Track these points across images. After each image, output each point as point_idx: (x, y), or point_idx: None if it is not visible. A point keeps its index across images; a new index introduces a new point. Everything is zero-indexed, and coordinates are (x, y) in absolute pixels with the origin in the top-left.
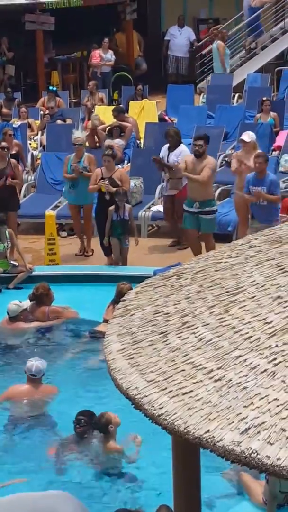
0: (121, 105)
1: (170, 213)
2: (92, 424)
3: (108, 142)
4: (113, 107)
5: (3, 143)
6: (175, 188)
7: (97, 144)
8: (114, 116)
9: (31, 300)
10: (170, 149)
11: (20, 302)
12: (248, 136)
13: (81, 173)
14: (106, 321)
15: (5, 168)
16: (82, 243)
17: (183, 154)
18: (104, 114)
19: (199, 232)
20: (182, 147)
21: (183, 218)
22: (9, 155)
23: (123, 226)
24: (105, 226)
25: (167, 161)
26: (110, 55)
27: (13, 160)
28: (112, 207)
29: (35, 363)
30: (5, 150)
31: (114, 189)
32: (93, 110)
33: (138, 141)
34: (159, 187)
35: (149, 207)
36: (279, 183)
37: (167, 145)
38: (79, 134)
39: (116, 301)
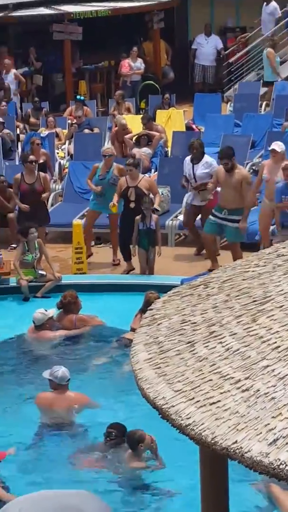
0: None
1: (193, 222)
2: (124, 438)
3: (135, 150)
4: (140, 116)
5: (31, 157)
6: (205, 200)
7: (124, 153)
8: (143, 123)
9: (58, 308)
10: (194, 161)
11: (46, 310)
12: (278, 146)
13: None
14: (133, 330)
15: (34, 183)
16: (89, 249)
17: (213, 166)
18: (131, 123)
19: (221, 239)
20: (207, 158)
21: (206, 222)
22: (37, 165)
23: (149, 235)
24: (132, 235)
25: (194, 174)
26: (139, 64)
27: (42, 174)
28: (138, 217)
29: (60, 370)
30: (34, 163)
31: (156, 206)
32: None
33: (165, 149)
34: (186, 196)
35: (176, 216)
36: None
37: (189, 157)
38: (108, 146)
39: (143, 310)
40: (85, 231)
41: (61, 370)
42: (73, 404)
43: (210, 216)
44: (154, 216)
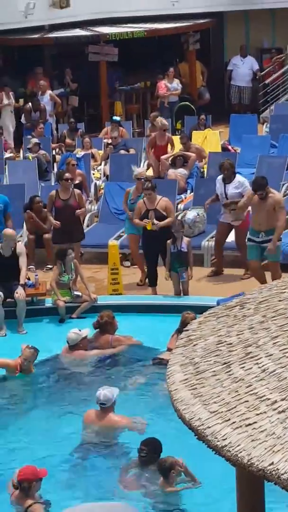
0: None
1: (222, 240)
2: (157, 455)
3: (171, 171)
4: (176, 137)
5: (67, 174)
6: (238, 219)
7: (161, 173)
8: (183, 143)
9: (95, 328)
10: (226, 181)
11: (80, 330)
12: None
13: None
14: (170, 350)
15: (68, 199)
16: (144, 273)
17: (244, 186)
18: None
19: (261, 262)
20: (239, 178)
21: (248, 250)
22: (73, 185)
23: (181, 258)
24: (154, 258)
25: (226, 193)
26: (176, 84)
27: (76, 190)
28: (169, 240)
29: (102, 391)
30: (69, 181)
31: (162, 223)
32: None
33: (201, 170)
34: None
35: (212, 237)
36: None
37: (221, 177)
38: (140, 170)
39: (180, 330)
40: (133, 255)
41: (102, 392)
42: (112, 425)
43: (249, 242)
44: (186, 239)
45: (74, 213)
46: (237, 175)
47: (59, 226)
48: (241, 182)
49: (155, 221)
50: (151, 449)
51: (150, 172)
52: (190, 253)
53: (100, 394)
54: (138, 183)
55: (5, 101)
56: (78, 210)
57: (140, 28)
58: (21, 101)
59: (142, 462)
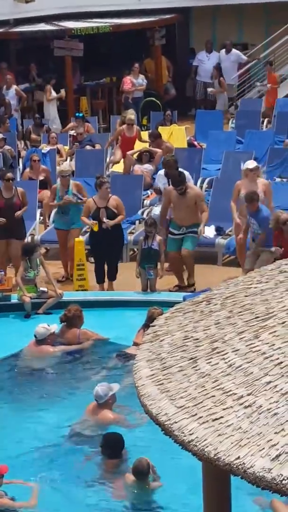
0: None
1: None
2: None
3: (137, 167)
4: (142, 132)
5: (8, 174)
6: None
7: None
8: (151, 141)
9: (62, 322)
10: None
11: (48, 325)
12: (252, 163)
13: (71, 202)
14: (136, 344)
15: (12, 197)
16: (66, 269)
17: (188, 179)
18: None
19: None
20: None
21: (168, 242)
22: (38, 181)
23: (150, 255)
24: (103, 255)
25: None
26: (141, 80)
27: (19, 189)
28: (142, 237)
29: (97, 388)
30: (10, 181)
31: (113, 221)
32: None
33: None
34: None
35: None
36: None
37: (163, 171)
38: (66, 167)
39: (147, 325)
40: (61, 252)
41: (96, 389)
42: (101, 422)
43: (170, 236)
44: (158, 237)
45: (18, 211)
46: (180, 170)
47: (3, 223)
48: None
49: (106, 220)
50: (111, 444)
51: (118, 168)
52: (161, 252)
53: (94, 390)
54: (62, 179)
55: None
56: (18, 212)
57: (105, 23)
58: None
59: (104, 456)
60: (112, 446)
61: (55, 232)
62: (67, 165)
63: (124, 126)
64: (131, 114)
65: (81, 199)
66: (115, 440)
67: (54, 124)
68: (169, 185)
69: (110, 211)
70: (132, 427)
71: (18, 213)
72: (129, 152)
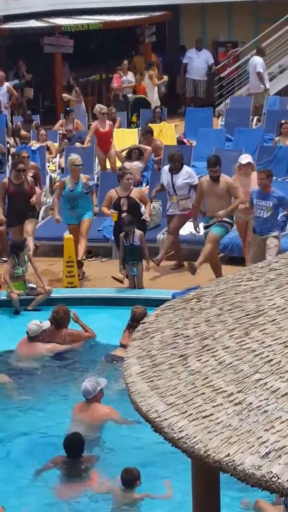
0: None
1: (175, 232)
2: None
3: (126, 164)
4: (131, 130)
5: (20, 165)
6: (185, 209)
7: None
8: (142, 134)
9: (51, 323)
10: (173, 171)
11: (41, 322)
12: (247, 157)
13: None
14: (122, 345)
15: (22, 183)
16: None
17: (192, 176)
18: (122, 137)
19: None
20: (186, 168)
21: (205, 236)
22: (25, 177)
23: (133, 252)
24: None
25: (173, 183)
26: (130, 77)
27: (29, 177)
28: (122, 234)
29: (85, 383)
30: (21, 172)
31: (148, 212)
32: None
33: (156, 165)
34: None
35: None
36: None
37: (167, 167)
38: (77, 157)
39: (131, 325)
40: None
41: (84, 385)
42: (93, 417)
43: (205, 230)
44: (138, 232)
45: (28, 197)
46: (184, 166)
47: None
48: (189, 173)
49: (145, 216)
50: (70, 445)
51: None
52: (144, 246)
53: (82, 386)
54: (74, 171)
55: None
56: (33, 197)
57: (96, 20)
58: None
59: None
60: (71, 446)
61: (67, 227)
62: (76, 156)
63: (97, 121)
64: (99, 107)
65: (91, 187)
66: (74, 440)
67: None
68: (172, 180)
69: (133, 200)
70: (128, 423)
71: (33, 199)
72: (118, 149)
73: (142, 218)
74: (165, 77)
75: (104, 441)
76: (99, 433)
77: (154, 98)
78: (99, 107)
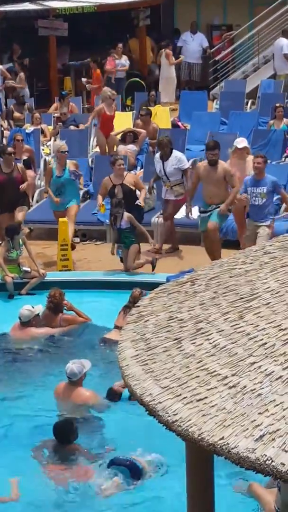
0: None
1: (170, 217)
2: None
3: (121, 147)
4: (126, 113)
5: (9, 149)
6: (179, 195)
7: (110, 150)
8: (141, 114)
9: (49, 309)
10: (163, 158)
11: (33, 307)
12: (243, 141)
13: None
14: (117, 327)
15: (12, 172)
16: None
17: (181, 160)
18: (117, 120)
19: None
20: (176, 153)
21: (199, 221)
22: (21, 160)
23: (121, 235)
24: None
25: (164, 170)
26: (124, 61)
27: (19, 165)
28: (112, 218)
29: (70, 365)
30: (12, 155)
31: (142, 198)
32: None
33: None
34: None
35: (162, 213)
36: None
37: (158, 154)
38: (63, 143)
39: (128, 306)
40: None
41: (70, 366)
42: (76, 401)
43: (201, 214)
44: (126, 215)
45: (18, 186)
46: (174, 151)
47: None
48: (178, 158)
49: (138, 201)
50: (60, 432)
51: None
52: (138, 227)
53: (68, 367)
54: (60, 157)
55: None
56: (23, 185)
57: (90, 3)
58: None
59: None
60: (61, 432)
61: (52, 213)
62: (62, 142)
63: (105, 103)
64: (109, 91)
65: (80, 174)
66: (64, 425)
67: None
68: (163, 167)
69: (127, 187)
70: (109, 407)
71: (23, 186)
72: (112, 133)
73: (136, 203)
74: (182, 57)
75: (86, 423)
76: (80, 416)
77: (172, 76)
78: (109, 91)
